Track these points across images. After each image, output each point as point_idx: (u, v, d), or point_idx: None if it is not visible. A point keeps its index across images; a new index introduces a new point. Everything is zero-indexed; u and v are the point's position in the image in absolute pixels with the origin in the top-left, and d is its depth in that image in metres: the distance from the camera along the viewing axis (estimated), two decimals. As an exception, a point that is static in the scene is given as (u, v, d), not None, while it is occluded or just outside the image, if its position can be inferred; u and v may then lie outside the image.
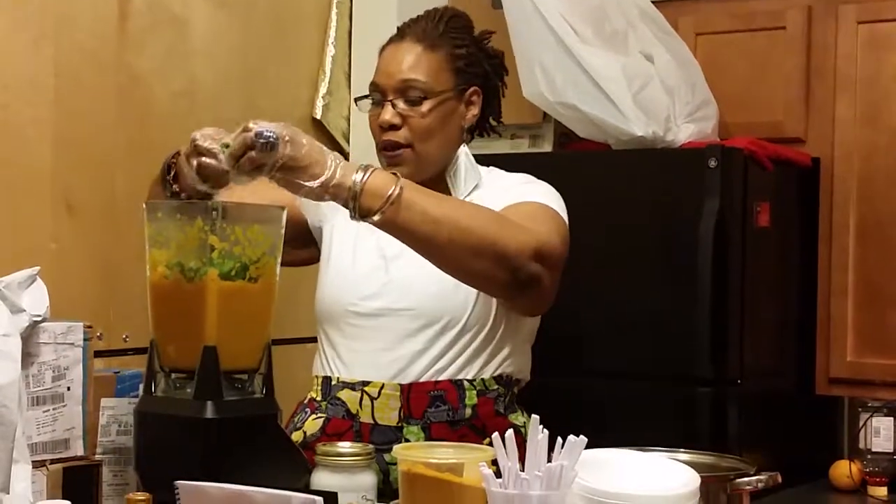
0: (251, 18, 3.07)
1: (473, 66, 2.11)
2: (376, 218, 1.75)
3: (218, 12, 2.98)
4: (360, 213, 1.74)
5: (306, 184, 1.70)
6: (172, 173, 1.81)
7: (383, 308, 2.04)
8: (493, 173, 2.15)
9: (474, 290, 2.02)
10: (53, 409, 1.72)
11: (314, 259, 2.18)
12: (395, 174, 1.80)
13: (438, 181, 2.07)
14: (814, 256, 3.17)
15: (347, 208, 1.74)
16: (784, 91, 3.21)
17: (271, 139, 1.66)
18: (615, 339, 2.88)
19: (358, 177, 1.73)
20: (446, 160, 2.10)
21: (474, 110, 2.12)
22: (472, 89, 2.11)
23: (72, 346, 1.75)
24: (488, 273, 1.86)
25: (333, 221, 2.14)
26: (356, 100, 2.18)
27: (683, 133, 3.02)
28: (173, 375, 1.66)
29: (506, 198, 2.00)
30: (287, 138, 1.68)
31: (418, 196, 1.80)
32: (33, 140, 2.56)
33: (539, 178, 2.11)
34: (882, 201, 3.09)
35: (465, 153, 2.13)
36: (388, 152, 2.04)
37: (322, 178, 1.71)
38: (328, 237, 2.14)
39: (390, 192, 1.75)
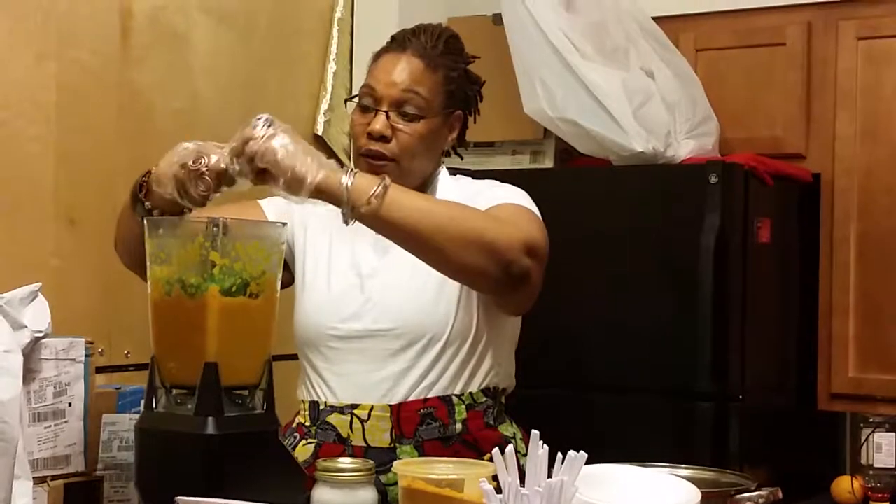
0: (252, 35, 3.09)
1: (461, 90, 2.10)
2: (363, 210, 1.74)
3: (219, 28, 2.99)
4: (350, 211, 1.74)
5: (290, 163, 1.69)
6: (144, 191, 1.80)
7: (363, 330, 2.02)
8: (461, 181, 2.14)
9: (454, 304, 2.01)
10: (55, 425, 1.72)
11: (287, 284, 2.12)
12: (379, 175, 1.79)
13: None
14: (815, 272, 3.17)
15: (338, 206, 1.73)
16: (784, 107, 3.22)
17: (263, 117, 1.71)
18: (616, 355, 2.89)
19: (345, 177, 1.73)
20: (424, 179, 2.09)
21: (454, 134, 2.11)
22: (456, 113, 2.10)
23: (73, 362, 1.75)
24: (479, 267, 1.85)
25: (306, 239, 2.12)
26: (346, 100, 2.17)
27: (684, 149, 3.02)
28: (174, 391, 1.65)
29: (476, 203, 1.99)
30: (280, 125, 1.72)
31: (404, 192, 1.80)
32: (35, 156, 2.57)
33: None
34: (883, 217, 3.09)
35: (444, 174, 2.12)
36: (372, 160, 2.02)
37: (307, 161, 1.71)
38: (301, 259, 2.11)
39: (376, 188, 1.75)
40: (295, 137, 1.73)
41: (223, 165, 1.71)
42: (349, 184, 1.73)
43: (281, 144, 1.71)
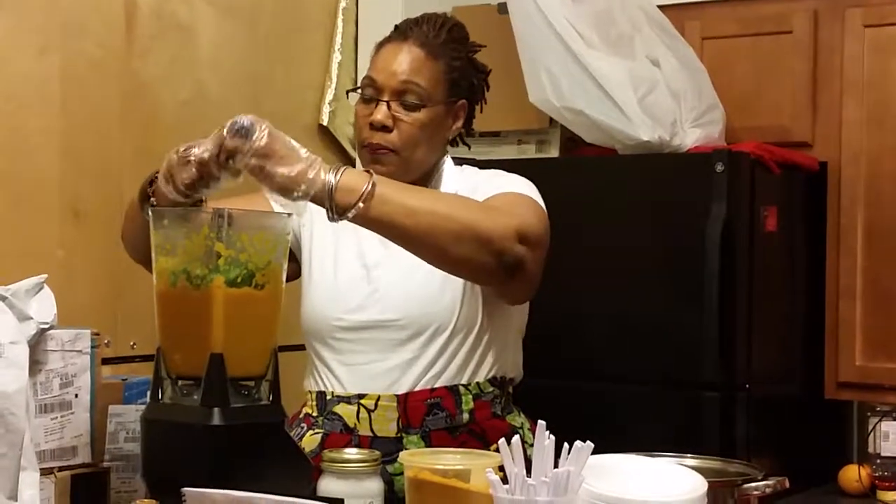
0: (257, 25, 3.08)
1: (464, 78, 2.09)
2: (351, 214, 1.72)
3: (224, 19, 2.99)
4: (337, 210, 1.71)
5: (280, 171, 1.66)
6: (152, 189, 1.79)
7: (369, 321, 2.02)
8: (465, 172, 2.14)
9: (460, 294, 2.01)
10: (61, 416, 1.72)
11: (294, 276, 2.13)
12: (367, 171, 1.77)
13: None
14: (821, 260, 3.17)
15: (324, 207, 1.71)
16: (791, 95, 3.21)
17: (245, 125, 1.65)
18: (622, 344, 2.88)
19: (331, 175, 1.69)
20: (427, 169, 2.08)
21: (459, 123, 2.10)
22: (460, 102, 2.09)
23: (79, 353, 1.75)
24: (473, 258, 1.83)
25: (312, 231, 2.11)
26: (348, 92, 2.16)
27: (690, 137, 3.02)
28: (180, 382, 1.65)
29: (478, 193, 1.99)
30: (264, 127, 1.66)
31: (393, 188, 1.78)
32: (40, 148, 2.57)
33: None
34: (890, 204, 3.09)
35: (449, 164, 2.12)
36: (373, 154, 2.02)
37: (298, 168, 1.66)
38: (307, 251, 2.11)
39: (364, 187, 1.72)
40: (275, 140, 1.67)
41: (207, 156, 1.68)
42: (334, 184, 1.69)
43: (269, 160, 1.66)
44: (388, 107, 2.01)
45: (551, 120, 3.16)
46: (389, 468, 1.90)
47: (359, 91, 2.07)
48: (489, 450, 1.82)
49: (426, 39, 2.05)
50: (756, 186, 2.89)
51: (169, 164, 1.72)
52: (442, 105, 2.05)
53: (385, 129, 2.01)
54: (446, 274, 1.97)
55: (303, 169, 1.67)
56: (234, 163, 1.66)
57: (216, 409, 1.58)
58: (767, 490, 1.64)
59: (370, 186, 1.72)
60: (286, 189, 1.68)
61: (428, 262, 1.86)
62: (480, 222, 1.84)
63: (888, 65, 3.10)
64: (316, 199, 1.71)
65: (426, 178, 2.07)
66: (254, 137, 1.65)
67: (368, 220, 1.75)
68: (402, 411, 2.00)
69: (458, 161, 2.16)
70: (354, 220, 1.73)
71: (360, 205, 1.71)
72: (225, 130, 1.66)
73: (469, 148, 2.20)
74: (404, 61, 2.03)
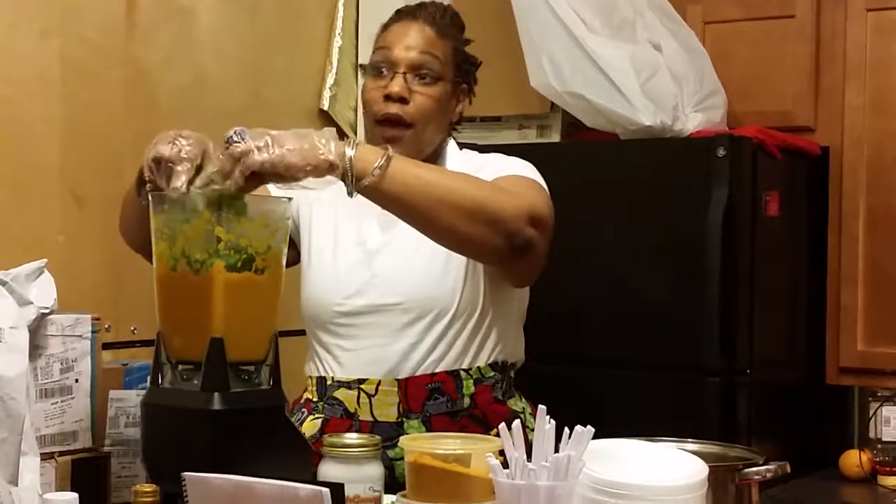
0: (258, 10, 3.07)
1: (465, 63, 2.11)
2: (366, 183, 1.72)
3: (225, 4, 2.98)
4: (353, 182, 1.71)
5: (295, 158, 1.66)
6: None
7: (370, 305, 2.02)
8: (467, 154, 2.14)
9: (461, 278, 2.01)
10: (62, 401, 1.72)
11: (293, 262, 2.12)
12: (383, 147, 1.78)
13: None
14: (823, 245, 3.16)
15: (344, 182, 1.71)
16: (793, 79, 3.20)
17: (241, 133, 1.65)
18: (624, 329, 2.88)
19: (350, 151, 1.71)
20: (434, 148, 2.09)
21: (460, 106, 2.12)
22: (462, 85, 2.11)
23: (80, 338, 1.75)
24: (483, 238, 1.84)
25: (312, 217, 2.12)
26: (362, 66, 2.16)
27: (692, 122, 3.01)
28: (180, 367, 1.65)
29: (481, 175, 1.98)
30: (269, 141, 1.65)
31: (407, 164, 1.78)
32: (41, 133, 2.56)
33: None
34: (891, 189, 3.08)
35: (452, 146, 2.12)
36: (388, 128, 2.02)
37: (320, 164, 1.68)
38: (307, 236, 2.12)
39: (379, 161, 1.73)
40: (281, 138, 1.67)
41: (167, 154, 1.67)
42: (352, 155, 1.71)
43: (283, 147, 1.66)
44: (405, 79, 2.02)
45: (553, 104, 3.15)
46: (390, 453, 1.90)
47: (368, 69, 2.07)
48: (490, 434, 1.82)
49: (434, 20, 2.07)
50: (758, 171, 2.89)
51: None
52: (451, 84, 2.07)
53: (402, 100, 2.01)
54: (448, 258, 1.97)
55: (321, 161, 1.67)
56: (247, 161, 1.64)
57: (216, 394, 1.58)
58: (768, 475, 1.64)
59: (385, 161, 1.73)
60: (302, 169, 1.67)
61: (435, 240, 1.87)
62: (492, 202, 1.84)
63: (891, 48, 3.09)
64: (337, 175, 1.70)
65: (432, 158, 2.07)
66: (260, 153, 1.64)
67: (381, 194, 1.75)
68: (403, 396, 2.00)
69: (459, 146, 2.16)
70: (367, 192, 1.73)
71: (375, 177, 1.72)
72: (224, 144, 1.64)
73: (458, 133, 2.20)
74: (419, 36, 2.05)
